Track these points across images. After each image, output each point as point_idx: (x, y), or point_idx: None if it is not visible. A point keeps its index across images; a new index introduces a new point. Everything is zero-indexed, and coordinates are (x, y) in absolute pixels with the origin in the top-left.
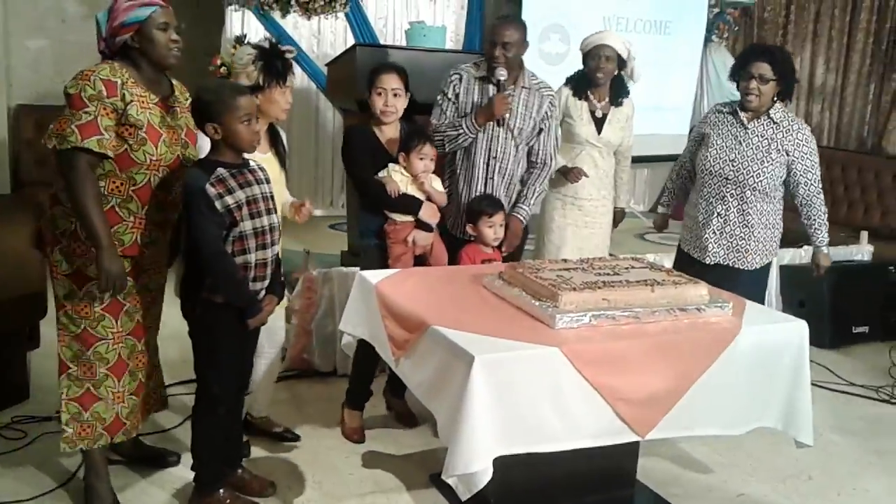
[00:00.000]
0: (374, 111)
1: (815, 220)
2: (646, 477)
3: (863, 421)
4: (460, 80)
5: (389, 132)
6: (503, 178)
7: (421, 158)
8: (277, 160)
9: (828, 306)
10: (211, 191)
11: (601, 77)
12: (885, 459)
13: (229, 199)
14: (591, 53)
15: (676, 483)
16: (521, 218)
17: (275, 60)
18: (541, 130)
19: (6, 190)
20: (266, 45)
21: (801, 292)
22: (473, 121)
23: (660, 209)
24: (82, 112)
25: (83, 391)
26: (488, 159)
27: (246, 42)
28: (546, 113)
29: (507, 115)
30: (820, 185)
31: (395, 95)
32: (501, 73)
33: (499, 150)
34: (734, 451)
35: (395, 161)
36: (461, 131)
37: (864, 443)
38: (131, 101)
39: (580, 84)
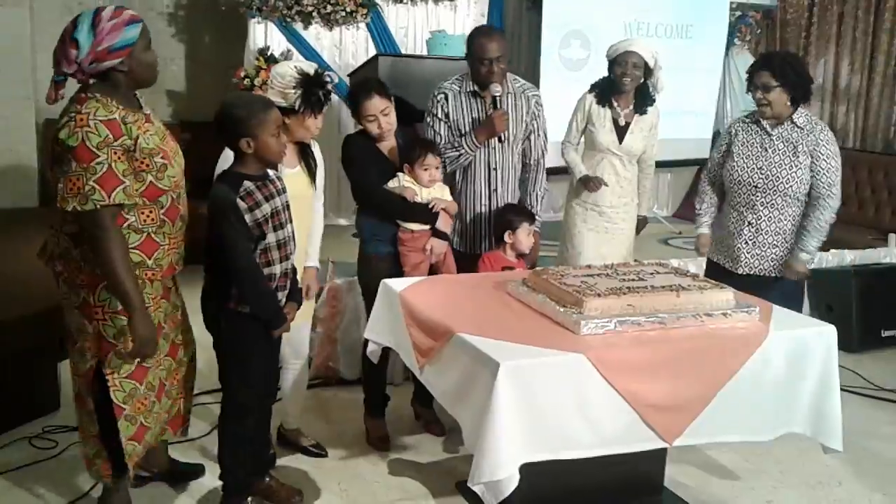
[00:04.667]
0: (372, 134)
1: (813, 220)
2: (673, 484)
3: (893, 426)
4: (446, 98)
5: (388, 143)
6: (505, 186)
7: (425, 169)
8: (307, 174)
9: (856, 310)
10: (241, 205)
11: (627, 84)
12: None
13: (258, 213)
14: (618, 60)
15: (704, 490)
16: (537, 228)
17: (316, 90)
18: (530, 131)
19: (34, 203)
20: (310, 71)
21: (828, 296)
22: (474, 140)
23: (701, 230)
24: (94, 164)
25: (137, 427)
26: (488, 171)
27: (285, 57)
28: (534, 113)
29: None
30: (834, 190)
31: (385, 115)
32: (497, 90)
33: (497, 160)
34: (762, 458)
35: (399, 170)
36: (462, 151)
37: (894, 448)
38: (137, 133)
39: (604, 91)
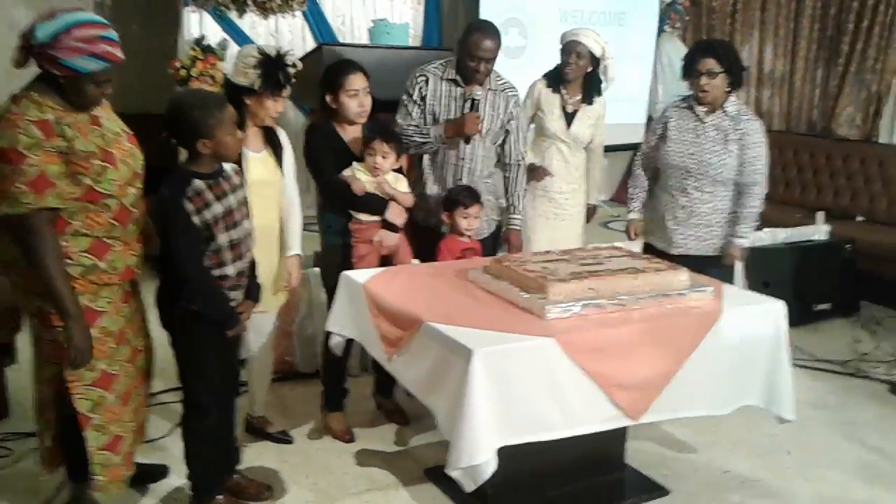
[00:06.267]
0: (347, 114)
1: (746, 207)
2: (633, 460)
3: (833, 395)
4: (426, 82)
5: (353, 132)
6: (471, 178)
7: (370, 154)
8: (273, 158)
9: (791, 285)
10: (189, 206)
11: (569, 73)
12: (858, 430)
13: (207, 214)
14: (564, 48)
15: (663, 464)
16: (518, 228)
17: (276, 71)
18: (508, 132)
19: None
20: (272, 53)
21: (765, 273)
22: (442, 134)
23: (632, 216)
24: (24, 165)
25: (110, 437)
26: (457, 160)
27: (222, 48)
28: (511, 113)
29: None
30: (761, 178)
31: (366, 94)
32: (478, 94)
33: (467, 151)
34: (714, 431)
35: (359, 160)
36: (428, 140)
37: (836, 416)
38: (74, 135)
39: (555, 79)
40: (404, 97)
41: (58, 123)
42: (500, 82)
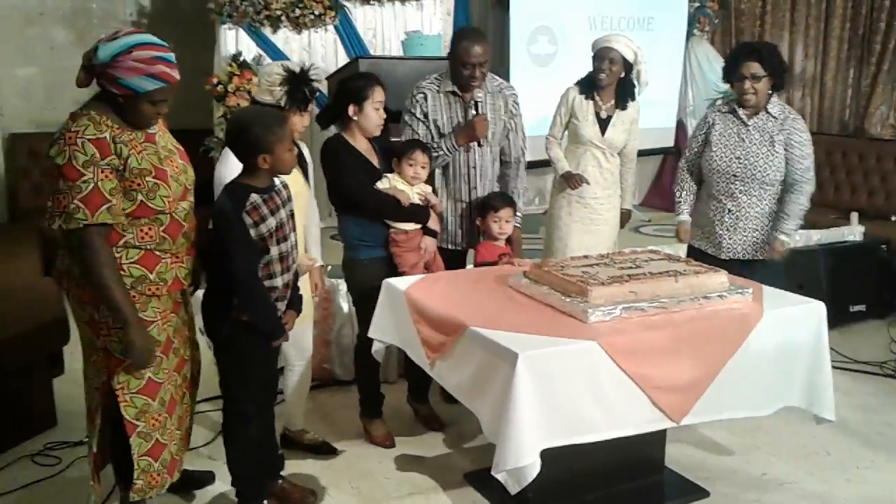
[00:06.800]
0: (368, 125)
1: (791, 204)
2: (673, 463)
3: (871, 396)
4: (426, 98)
5: (364, 143)
6: (484, 184)
7: (411, 165)
8: (301, 174)
9: (826, 287)
10: (247, 220)
11: (603, 79)
12: None
13: (262, 228)
14: (597, 55)
15: (702, 467)
16: (518, 225)
17: (302, 87)
18: (508, 129)
19: (3, 219)
20: (296, 69)
21: (799, 274)
22: (454, 143)
23: (681, 218)
24: (80, 182)
25: (152, 443)
26: (468, 169)
27: (257, 62)
28: (511, 111)
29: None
30: (809, 175)
31: (385, 108)
32: (479, 95)
33: (476, 159)
34: (753, 433)
35: (375, 169)
36: (441, 153)
37: (875, 417)
38: (129, 153)
39: (588, 85)
40: (406, 117)
41: (114, 142)
42: (495, 83)
